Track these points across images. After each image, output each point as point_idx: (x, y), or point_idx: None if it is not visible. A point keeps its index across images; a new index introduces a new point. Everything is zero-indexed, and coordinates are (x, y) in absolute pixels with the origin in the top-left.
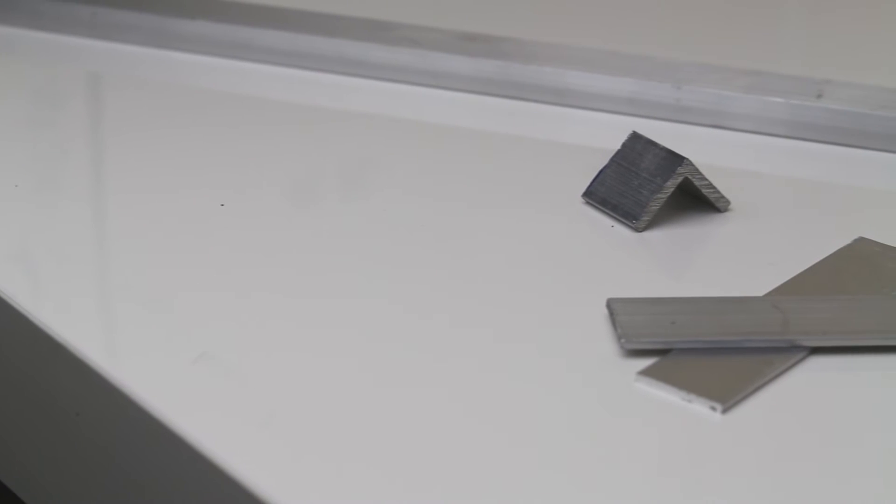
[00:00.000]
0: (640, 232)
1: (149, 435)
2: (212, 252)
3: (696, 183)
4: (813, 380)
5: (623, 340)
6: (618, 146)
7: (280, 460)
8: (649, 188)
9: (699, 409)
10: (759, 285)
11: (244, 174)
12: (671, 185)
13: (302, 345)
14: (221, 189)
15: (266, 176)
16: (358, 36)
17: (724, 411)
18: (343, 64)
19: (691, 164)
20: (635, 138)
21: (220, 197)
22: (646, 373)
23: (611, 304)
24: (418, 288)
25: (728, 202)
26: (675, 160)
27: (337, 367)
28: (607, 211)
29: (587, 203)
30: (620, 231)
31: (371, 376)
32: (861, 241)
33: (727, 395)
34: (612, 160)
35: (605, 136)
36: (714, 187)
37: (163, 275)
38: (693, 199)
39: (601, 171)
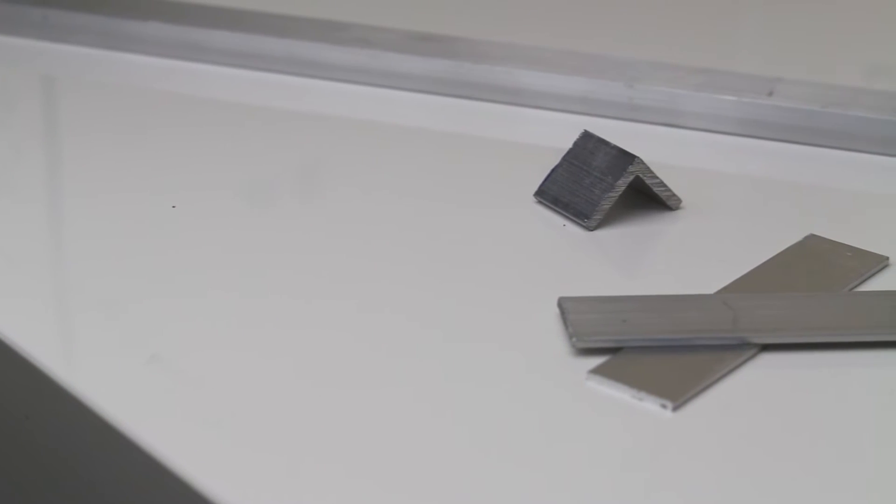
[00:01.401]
0: (592, 230)
1: (99, 437)
2: (163, 254)
3: (648, 181)
4: (763, 377)
5: (574, 339)
6: (570, 145)
7: (231, 461)
8: (601, 187)
9: (650, 406)
10: (710, 283)
11: (197, 176)
12: (622, 183)
13: (254, 346)
14: (174, 191)
15: (218, 177)
16: (310, 36)
17: (675, 409)
18: (296, 64)
19: (642, 162)
20: (587, 137)
21: (172, 199)
22: (597, 371)
23: (562, 303)
24: (371, 287)
25: (679, 200)
26: (626, 159)
27: (289, 367)
28: (559, 210)
29: (539, 202)
30: (572, 230)
31: (324, 376)
32: (812, 238)
33: (678, 393)
34: (564, 159)
35: (557, 135)
36: (665, 185)
37: (114, 277)
38: (645, 197)
39: (553, 171)
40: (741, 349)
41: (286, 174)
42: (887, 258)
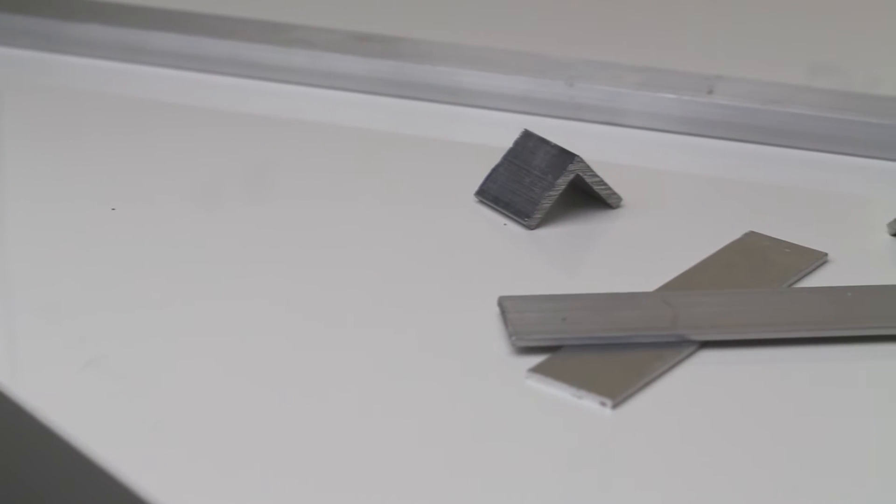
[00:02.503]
0: (533, 229)
1: (37, 441)
2: (101, 257)
3: (588, 180)
4: (702, 373)
5: (514, 338)
6: (511, 144)
7: (168, 464)
8: (541, 186)
9: (590, 404)
10: (650, 280)
11: (138, 179)
12: (562, 182)
13: (190, 348)
14: (114, 195)
15: (160, 181)
16: (252, 38)
17: (615, 406)
18: (237, 66)
19: (582, 161)
20: (527, 136)
21: (113, 203)
22: (536, 370)
23: (502, 302)
24: (311, 288)
25: (620, 198)
26: (566, 157)
27: (225, 369)
28: (500, 209)
29: (480, 201)
30: (513, 229)
31: (261, 378)
32: (751, 235)
33: (617, 391)
34: (505, 158)
35: (498, 134)
36: (606, 184)
37: (52, 282)
38: (585, 195)
39: (494, 170)
40: (680, 346)
41: (228, 177)
42: (825, 254)
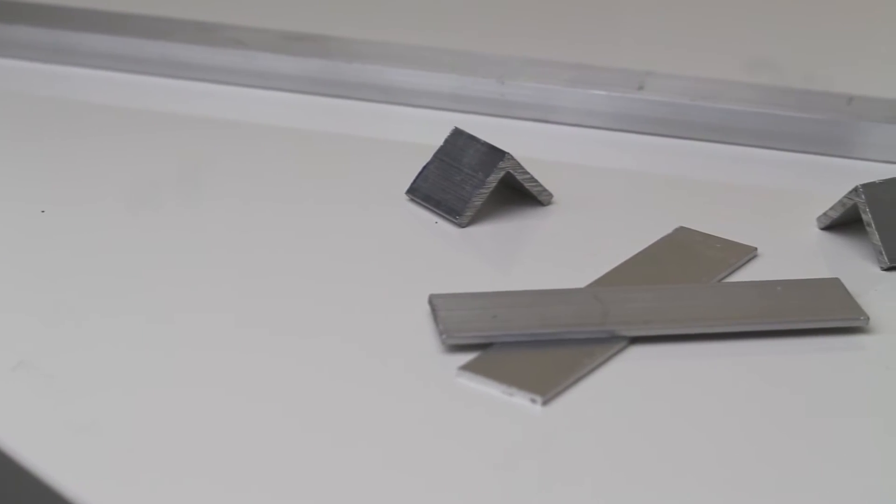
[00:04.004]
0: (464, 227)
1: None
2: (29, 261)
3: (518, 177)
4: (632, 369)
5: (444, 336)
6: (442, 142)
7: (99, 467)
8: (471, 183)
9: (520, 401)
10: (581, 277)
11: (68, 181)
12: (493, 179)
13: (122, 350)
14: (44, 197)
15: (89, 182)
16: (183, 38)
17: (545, 403)
18: (167, 66)
19: (512, 158)
20: (457, 134)
21: (43, 206)
22: (467, 367)
23: (432, 300)
24: (244, 291)
25: (551, 195)
26: (496, 155)
27: (158, 372)
28: (431, 207)
29: (411, 200)
30: (444, 227)
31: (194, 381)
32: (681, 231)
33: (547, 388)
34: (435, 156)
35: (429, 132)
36: (536, 181)
37: None
38: (516, 193)
39: (424, 168)
40: (611, 342)
41: (159, 179)
42: (755, 249)
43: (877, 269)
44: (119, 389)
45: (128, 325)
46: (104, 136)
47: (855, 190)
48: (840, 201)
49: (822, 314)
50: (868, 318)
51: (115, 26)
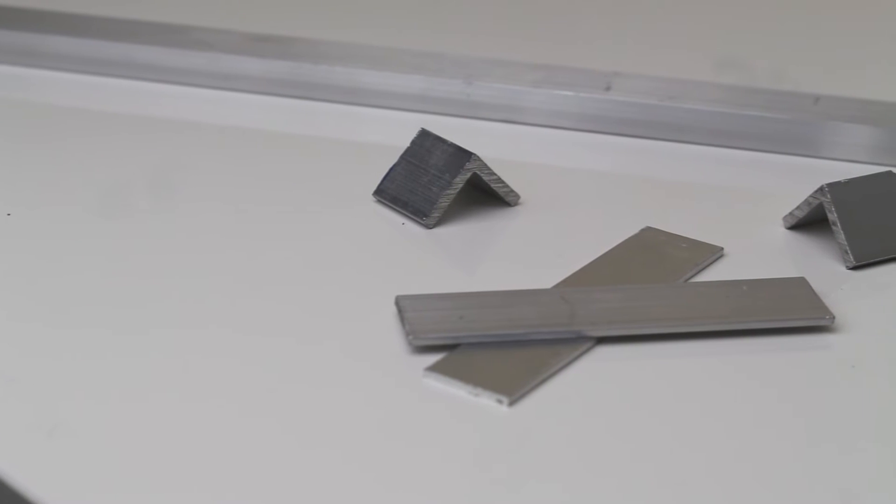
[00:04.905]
0: (431, 228)
1: None
2: None
3: (485, 178)
4: (598, 369)
5: (411, 337)
6: (409, 143)
7: (63, 471)
8: (438, 184)
9: (486, 402)
10: (548, 278)
11: (33, 184)
12: (460, 180)
13: (87, 354)
14: (9, 199)
15: (55, 184)
16: (149, 40)
17: (511, 404)
18: (133, 68)
19: (479, 159)
20: (424, 135)
21: (8, 209)
22: (433, 368)
23: (399, 302)
24: (212, 292)
25: (518, 196)
26: (463, 156)
27: (122, 375)
28: (398, 208)
29: (378, 201)
30: (411, 228)
31: (159, 383)
32: (647, 231)
33: (513, 388)
34: (402, 157)
35: (397, 133)
36: (503, 182)
37: None
38: (483, 194)
39: (391, 169)
40: (577, 342)
41: (126, 181)
42: (722, 249)
43: (842, 269)
44: (83, 393)
45: (93, 328)
46: (70, 138)
47: (820, 189)
48: (806, 201)
49: (788, 313)
50: (834, 318)
51: (79, 28)
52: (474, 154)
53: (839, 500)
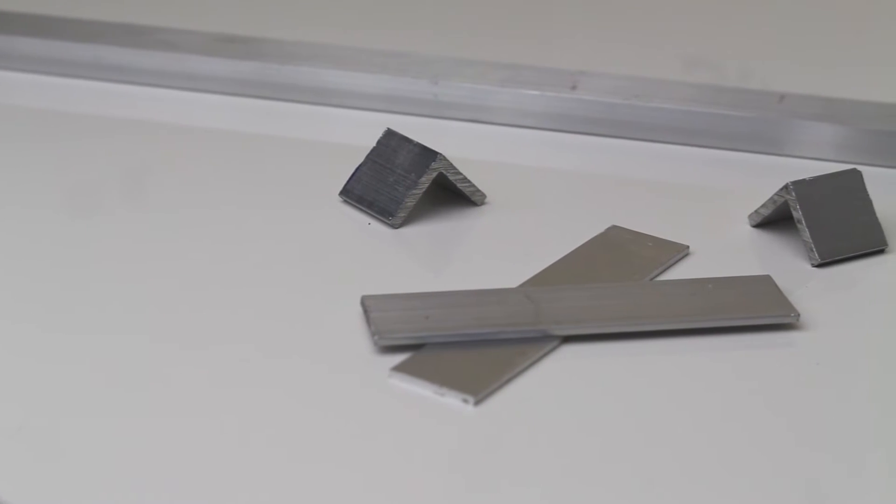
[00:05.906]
0: (397, 228)
1: None
2: None
3: (451, 177)
4: (564, 368)
5: (376, 337)
6: (375, 143)
7: (28, 471)
8: (404, 184)
9: (452, 402)
10: (514, 277)
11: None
12: (425, 180)
13: (49, 356)
14: None
15: (21, 187)
16: (115, 41)
17: (477, 403)
18: (100, 70)
19: (445, 158)
20: (390, 135)
21: None
22: (399, 368)
23: (364, 301)
24: (176, 294)
25: (484, 195)
26: (428, 156)
27: (88, 378)
28: (364, 208)
29: (345, 201)
30: (377, 228)
31: (122, 389)
32: (613, 229)
33: (479, 387)
34: (368, 157)
35: (363, 133)
36: (469, 181)
37: None
38: (450, 193)
39: (357, 169)
40: (543, 342)
41: (92, 183)
42: (687, 247)
43: (808, 266)
44: (44, 395)
45: (54, 330)
46: (34, 140)
47: (785, 187)
48: (771, 199)
49: (754, 311)
50: (799, 315)
51: (44, 29)
52: (440, 154)
53: (804, 491)
